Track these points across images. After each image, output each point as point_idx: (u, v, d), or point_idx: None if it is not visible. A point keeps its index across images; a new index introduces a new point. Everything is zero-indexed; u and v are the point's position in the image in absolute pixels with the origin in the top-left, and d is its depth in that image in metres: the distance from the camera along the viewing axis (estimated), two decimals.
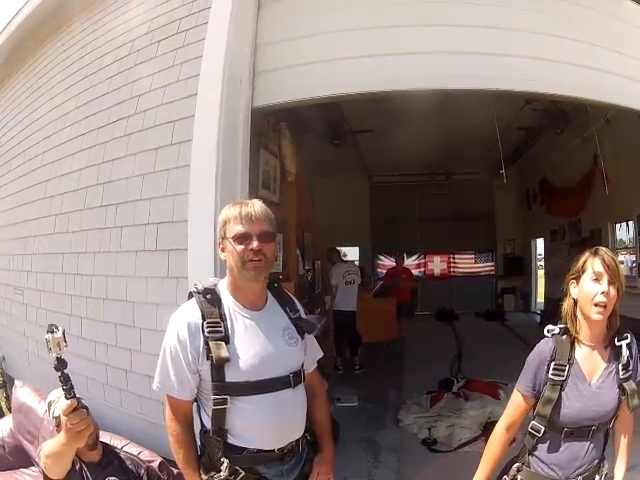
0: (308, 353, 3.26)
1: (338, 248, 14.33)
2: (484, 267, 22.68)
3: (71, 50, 7.94)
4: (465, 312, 20.24)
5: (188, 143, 5.58)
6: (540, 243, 20.66)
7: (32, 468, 5.44)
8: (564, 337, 3.10)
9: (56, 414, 3.07)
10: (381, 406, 9.05)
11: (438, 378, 9.67)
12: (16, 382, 6.17)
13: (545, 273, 20.47)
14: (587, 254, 3.08)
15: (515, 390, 3.24)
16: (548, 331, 3.16)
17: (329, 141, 13.17)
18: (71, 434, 2.99)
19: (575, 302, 3.11)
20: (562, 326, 3.13)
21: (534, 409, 3.14)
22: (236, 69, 5.68)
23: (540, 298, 20.72)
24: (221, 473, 2.86)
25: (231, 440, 2.90)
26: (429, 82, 5.91)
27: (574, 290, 3.13)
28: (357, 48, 5.80)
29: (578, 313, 3.07)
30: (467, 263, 22.76)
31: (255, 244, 2.88)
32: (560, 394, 3.00)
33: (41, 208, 7.77)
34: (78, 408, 2.89)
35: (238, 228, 2.90)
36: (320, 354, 3.46)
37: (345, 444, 7.10)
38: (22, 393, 5.90)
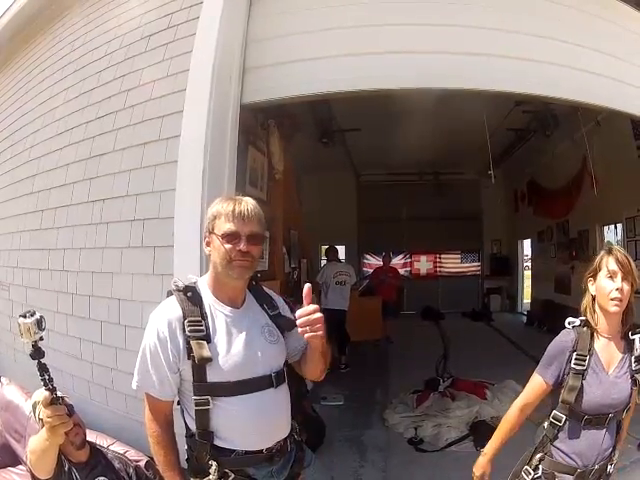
0: (300, 341, 3.12)
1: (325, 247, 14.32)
2: (470, 267, 22.73)
3: (61, 44, 7.89)
4: (451, 312, 20.32)
5: (176, 139, 5.56)
6: (527, 244, 20.72)
7: (19, 467, 5.40)
8: (584, 329, 3.25)
9: (41, 416, 3.03)
10: (367, 405, 9.04)
11: (424, 377, 9.63)
12: (2, 379, 6.12)
13: (532, 274, 20.52)
14: (602, 253, 3.24)
15: (536, 374, 3.36)
16: (569, 323, 3.31)
17: (317, 139, 13.17)
18: (48, 429, 2.96)
19: (593, 298, 3.26)
20: (582, 319, 3.28)
21: (554, 396, 3.29)
22: (226, 65, 5.66)
23: (526, 299, 20.78)
24: (210, 476, 2.80)
25: (218, 442, 2.84)
26: (418, 81, 5.92)
27: (592, 287, 3.27)
28: (346, 46, 5.81)
29: (596, 307, 3.24)
30: (453, 263, 22.80)
31: (243, 245, 2.81)
32: (582, 382, 3.14)
33: (28, 203, 7.72)
34: (53, 402, 2.86)
35: (228, 226, 2.82)
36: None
37: (331, 443, 7.09)
38: (8, 391, 5.86)
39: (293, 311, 3.14)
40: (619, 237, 13.00)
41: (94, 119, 6.61)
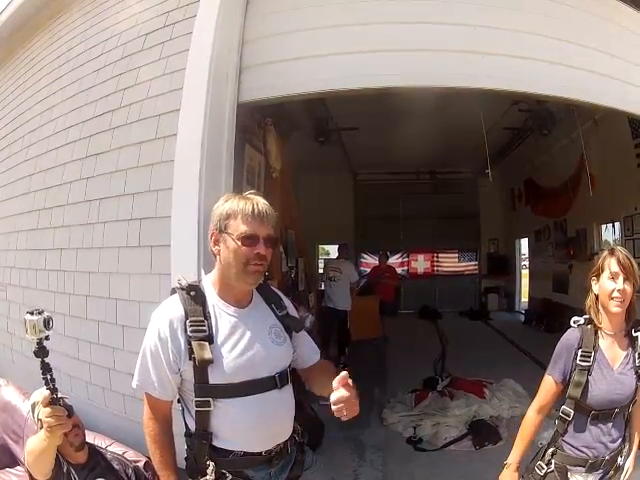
0: (306, 348, 3.18)
1: (324, 246, 14.25)
2: (468, 266, 22.70)
3: (58, 43, 7.89)
4: (449, 311, 20.30)
5: (173, 138, 5.54)
6: (525, 243, 20.70)
7: (18, 468, 5.37)
8: (589, 327, 3.38)
9: (40, 416, 3.01)
10: (366, 405, 8.89)
11: (422, 377, 9.67)
12: (0, 380, 6.10)
13: (529, 273, 20.50)
14: (605, 253, 3.34)
15: (547, 375, 3.49)
16: (574, 322, 3.42)
17: (314, 138, 13.13)
18: (46, 429, 2.95)
19: (597, 297, 3.36)
20: (586, 317, 3.40)
21: (565, 393, 3.39)
22: (223, 63, 5.66)
23: (524, 298, 20.77)
24: (207, 477, 2.77)
25: (216, 443, 2.81)
26: (415, 80, 5.93)
27: (595, 286, 3.37)
28: (343, 45, 5.81)
29: (600, 307, 3.33)
30: (451, 262, 22.77)
31: (262, 249, 2.78)
32: (587, 378, 3.26)
33: (24, 203, 7.70)
34: (53, 402, 2.86)
35: (246, 227, 2.77)
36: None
37: (330, 443, 7.05)
38: (6, 392, 5.84)
39: (297, 311, 3.11)
40: (617, 236, 13.00)
41: (91, 118, 6.60)
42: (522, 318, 18.84)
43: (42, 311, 2.79)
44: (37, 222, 7.33)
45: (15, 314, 7.67)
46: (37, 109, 7.88)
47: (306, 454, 3.23)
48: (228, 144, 5.64)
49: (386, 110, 10.72)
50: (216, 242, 2.86)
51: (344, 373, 2.67)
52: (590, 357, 3.25)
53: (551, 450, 3.44)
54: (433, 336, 15.48)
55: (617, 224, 12.84)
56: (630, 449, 3.50)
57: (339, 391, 2.63)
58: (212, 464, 2.78)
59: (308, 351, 3.18)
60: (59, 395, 2.91)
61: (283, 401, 2.96)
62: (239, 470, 2.84)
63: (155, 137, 5.78)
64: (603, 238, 13.72)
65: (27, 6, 8.48)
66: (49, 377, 2.82)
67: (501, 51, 5.88)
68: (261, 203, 2.85)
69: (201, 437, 2.81)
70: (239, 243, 2.76)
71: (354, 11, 5.89)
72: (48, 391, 2.83)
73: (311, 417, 7.15)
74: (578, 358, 3.28)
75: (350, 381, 2.68)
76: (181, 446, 2.95)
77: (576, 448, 3.34)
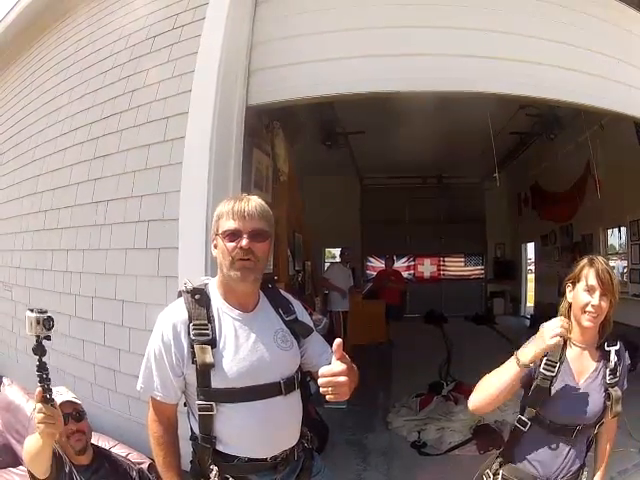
0: (316, 350, 3.09)
1: (329, 249, 14.23)
2: (474, 270, 22.66)
3: (66, 44, 7.90)
4: (454, 315, 20.17)
5: (181, 140, 5.54)
6: (530, 247, 20.67)
7: (20, 467, 5.38)
8: None
9: (34, 414, 3.03)
10: (370, 409, 8.96)
11: (427, 381, 9.62)
12: (4, 380, 6.12)
13: (535, 277, 20.46)
14: (585, 262, 3.11)
15: (513, 358, 3.08)
16: (543, 327, 3.15)
17: (321, 142, 13.13)
18: (36, 426, 2.96)
19: (570, 305, 3.18)
20: None
21: (524, 401, 3.19)
22: (231, 66, 5.66)
23: (530, 302, 20.74)
24: None
25: (220, 447, 2.80)
26: (423, 84, 5.92)
27: (569, 294, 3.18)
28: (352, 49, 5.80)
29: (572, 316, 3.15)
30: (457, 266, 22.72)
31: (245, 242, 2.74)
32: (550, 389, 3.04)
33: (31, 204, 7.71)
34: (45, 400, 2.86)
35: (229, 224, 2.78)
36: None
37: (334, 447, 7.06)
38: (10, 391, 5.86)
39: (311, 315, 3.07)
40: (623, 240, 12.99)
41: (99, 119, 6.60)
42: (528, 323, 18.74)
43: (45, 311, 2.81)
44: (44, 223, 7.34)
45: (20, 314, 7.66)
46: (45, 110, 7.89)
47: (315, 460, 3.19)
48: (236, 147, 5.64)
49: (393, 114, 10.70)
50: (215, 247, 2.89)
51: (338, 341, 2.57)
52: (555, 367, 3.04)
53: (499, 460, 3.29)
54: (438, 340, 15.44)
55: (623, 229, 12.84)
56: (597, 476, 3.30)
57: (332, 364, 2.55)
58: (215, 468, 2.77)
59: (318, 353, 3.10)
60: (54, 396, 2.91)
61: (289, 407, 2.94)
62: (243, 475, 2.83)
63: (163, 139, 5.78)
64: (609, 243, 13.72)
65: (34, 6, 8.50)
66: (44, 375, 2.84)
67: (509, 56, 5.86)
68: (246, 200, 2.86)
69: (204, 441, 2.80)
70: (224, 240, 2.78)
71: (362, 16, 5.88)
72: (41, 388, 2.84)
73: (316, 421, 7.15)
74: (542, 366, 3.05)
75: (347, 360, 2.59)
76: (187, 449, 2.94)
77: (528, 462, 3.15)
